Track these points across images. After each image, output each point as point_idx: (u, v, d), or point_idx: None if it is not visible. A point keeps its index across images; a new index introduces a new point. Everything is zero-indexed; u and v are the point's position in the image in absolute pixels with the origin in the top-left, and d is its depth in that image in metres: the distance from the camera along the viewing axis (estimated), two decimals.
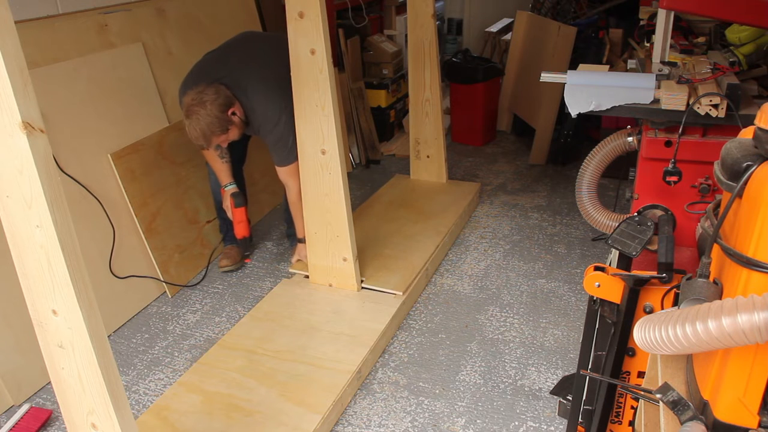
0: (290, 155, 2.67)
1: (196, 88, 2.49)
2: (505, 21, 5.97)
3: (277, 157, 2.72)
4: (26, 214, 1.26)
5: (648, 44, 2.35)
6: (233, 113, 2.54)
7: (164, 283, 2.89)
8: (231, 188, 2.92)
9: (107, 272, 2.66)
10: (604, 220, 2.12)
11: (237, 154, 3.03)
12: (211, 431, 2.04)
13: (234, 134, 2.61)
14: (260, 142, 3.30)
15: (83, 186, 2.57)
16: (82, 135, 2.61)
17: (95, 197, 2.61)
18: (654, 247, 1.41)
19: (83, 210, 2.57)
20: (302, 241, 2.93)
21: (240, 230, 2.95)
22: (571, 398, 1.69)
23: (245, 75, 2.60)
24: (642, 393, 1.22)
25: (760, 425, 0.84)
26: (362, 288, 2.77)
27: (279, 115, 2.60)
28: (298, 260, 2.98)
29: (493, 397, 2.25)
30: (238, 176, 3.11)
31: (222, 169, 2.90)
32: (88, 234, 2.58)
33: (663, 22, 1.98)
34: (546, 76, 1.97)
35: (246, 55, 2.69)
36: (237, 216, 2.91)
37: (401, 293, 2.69)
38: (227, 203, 2.94)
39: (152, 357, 2.53)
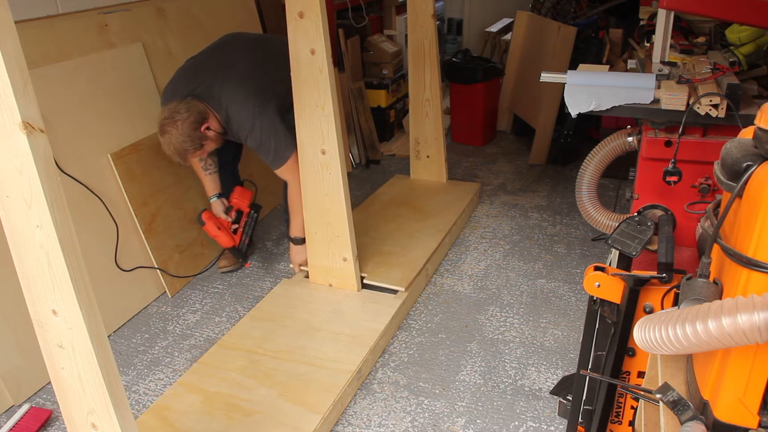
0: (277, 158, 2.63)
1: (169, 105, 2.49)
2: (505, 21, 5.97)
3: (265, 160, 2.68)
4: (26, 214, 1.26)
5: (648, 44, 2.35)
6: (207, 128, 2.53)
7: (171, 276, 2.90)
8: (213, 201, 2.92)
9: (110, 271, 2.66)
10: (604, 220, 2.12)
11: (231, 153, 3.02)
12: (211, 431, 2.04)
13: (210, 147, 2.61)
14: None
15: (83, 184, 2.57)
16: (82, 135, 2.61)
17: (96, 195, 2.61)
18: (654, 247, 1.41)
19: (85, 209, 2.57)
20: (295, 241, 2.87)
21: (222, 242, 2.92)
22: (571, 398, 1.69)
23: (218, 83, 2.56)
24: (642, 393, 1.22)
25: (760, 425, 0.85)
26: (364, 284, 2.77)
27: (252, 121, 2.55)
28: (300, 266, 2.91)
29: (493, 397, 2.25)
30: (232, 173, 3.10)
31: (206, 181, 2.90)
32: (90, 233, 2.58)
33: (663, 22, 1.98)
34: (546, 76, 1.97)
35: (222, 62, 2.65)
36: (209, 232, 2.90)
37: (404, 289, 2.69)
38: (217, 211, 2.93)
39: (152, 357, 2.53)
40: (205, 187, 2.93)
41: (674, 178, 1.69)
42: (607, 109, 1.82)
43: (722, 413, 0.87)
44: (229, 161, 3.03)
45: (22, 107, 1.18)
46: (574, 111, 1.84)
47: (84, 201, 2.57)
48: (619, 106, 1.81)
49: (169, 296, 2.91)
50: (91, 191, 2.60)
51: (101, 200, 2.63)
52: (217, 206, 2.93)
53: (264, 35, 3.33)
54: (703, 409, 0.90)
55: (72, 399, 1.46)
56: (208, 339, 2.62)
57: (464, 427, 2.12)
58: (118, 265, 2.69)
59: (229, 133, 2.65)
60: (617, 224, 1.63)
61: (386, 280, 2.74)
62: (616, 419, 1.61)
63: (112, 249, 2.67)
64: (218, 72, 2.60)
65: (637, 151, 1.98)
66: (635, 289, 1.38)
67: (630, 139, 2.00)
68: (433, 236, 3.14)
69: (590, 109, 1.82)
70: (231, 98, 2.55)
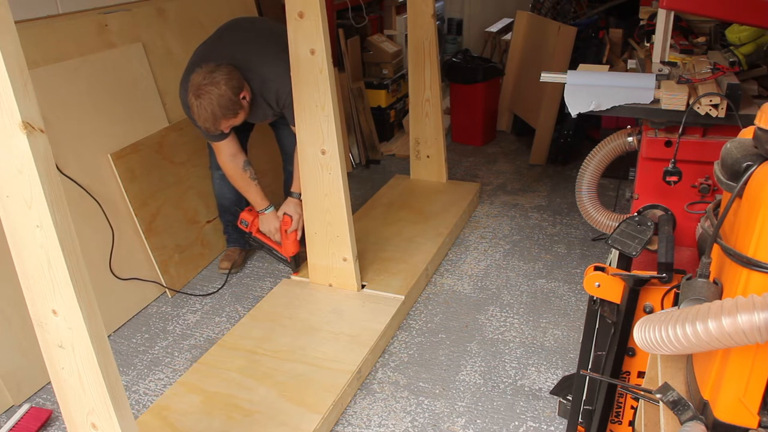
0: None
1: (206, 67, 2.41)
2: (505, 21, 5.97)
3: (291, 118, 2.62)
4: (26, 214, 1.26)
5: (648, 44, 2.34)
6: (243, 97, 2.50)
7: (171, 276, 2.89)
8: (272, 210, 2.86)
9: (108, 273, 2.65)
10: (604, 220, 2.13)
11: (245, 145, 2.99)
12: (211, 431, 2.04)
13: (239, 119, 2.54)
14: (256, 139, 3.28)
15: (82, 187, 2.56)
16: (82, 135, 2.61)
17: (94, 198, 2.61)
18: (654, 247, 1.41)
19: (83, 211, 2.57)
20: (294, 195, 2.81)
21: (293, 248, 2.87)
22: (571, 398, 1.70)
23: (247, 51, 2.54)
24: (642, 393, 1.22)
25: (760, 425, 0.85)
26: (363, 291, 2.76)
27: (289, 82, 2.51)
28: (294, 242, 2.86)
29: (493, 397, 2.25)
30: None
31: (257, 192, 2.81)
32: (88, 234, 2.58)
33: (663, 22, 1.98)
34: (546, 76, 1.97)
35: (240, 35, 2.65)
36: (293, 236, 2.84)
37: (403, 297, 2.69)
38: (272, 226, 2.86)
39: (152, 357, 2.53)
40: (257, 198, 2.82)
41: (674, 178, 1.69)
42: (607, 109, 1.82)
43: (722, 413, 0.87)
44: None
45: (22, 107, 1.18)
46: (574, 111, 1.84)
47: (84, 201, 2.57)
48: (619, 106, 1.81)
49: (169, 296, 2.91)
50: (89, 194, 2.59)
51: (99, 204, 2.62)
52: (272, 219, 2.85)
53: (262, 18, 3.38)
54: (703, 409, 0.91)
55: (72, 399, 1.46)
56: (208, 339, 2.62)
57: (464, 427, 2.12)
58: (113, 272, 2.67)
59: (257, 106, 2.61)
60: (617, 224, 1.63)
61: (387, 289, 2.73)
62: (616, 419, 1.61)
63: (110, 251, 2.67)
64: (241, 43, 2.57)
65: (637, 151, 1.98)
66: (635, 289, 1.38)
67: (630, 139, 2.00)
68: (434, 239, 3.14)
69: (590, 109, 1.82)
70: (268, 61, 2.52)
